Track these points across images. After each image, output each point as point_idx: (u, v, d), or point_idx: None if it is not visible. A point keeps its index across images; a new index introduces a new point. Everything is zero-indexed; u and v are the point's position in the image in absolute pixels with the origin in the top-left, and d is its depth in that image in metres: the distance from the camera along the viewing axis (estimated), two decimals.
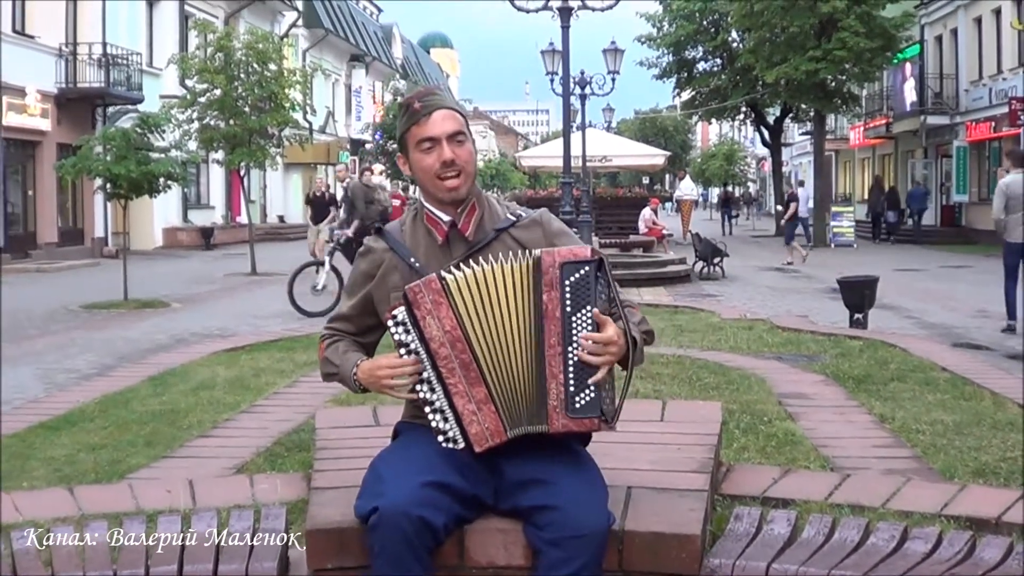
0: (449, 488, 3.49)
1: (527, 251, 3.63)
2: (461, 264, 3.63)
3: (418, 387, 3.62)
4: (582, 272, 3.54)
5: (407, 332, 3.61)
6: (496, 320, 3.57)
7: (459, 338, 3.55)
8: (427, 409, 3.62)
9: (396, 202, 33.00)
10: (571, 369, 3.53)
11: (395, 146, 47.40)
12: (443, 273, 3.59)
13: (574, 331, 3.53)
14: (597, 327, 3.52)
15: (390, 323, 3.64)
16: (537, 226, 3.91)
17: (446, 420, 3.60)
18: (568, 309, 3.53)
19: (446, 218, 3.84)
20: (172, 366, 8.64)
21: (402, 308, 3.60)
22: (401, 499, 3.38)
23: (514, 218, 3.91)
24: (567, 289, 3.53)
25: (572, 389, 3.53)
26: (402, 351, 3.62)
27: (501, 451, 3.59)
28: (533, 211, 4.00)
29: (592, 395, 3.54)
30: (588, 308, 3.53)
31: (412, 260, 3.82)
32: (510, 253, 3.64)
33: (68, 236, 36.80)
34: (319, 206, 28.76)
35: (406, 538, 3.34)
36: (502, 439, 3.56)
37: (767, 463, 5.24)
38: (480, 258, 3.66)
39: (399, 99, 66.48)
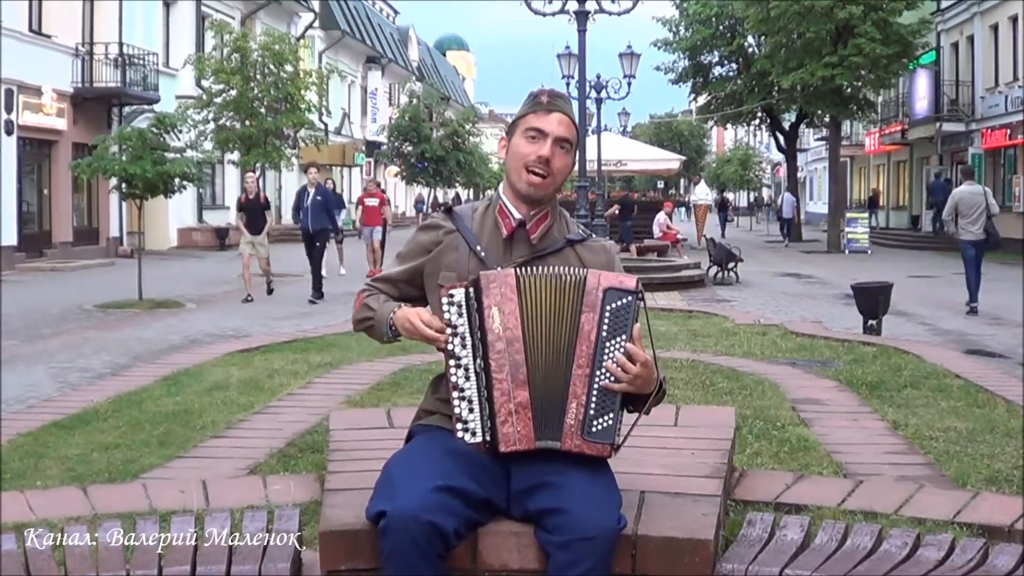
0: (461, 493, 3.47)
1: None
2: (533, 267, 3.64)
3: (452, 370, 3.59)
4: (624, 301, 3.56)
5: (459, 315, 3.58)
6: (547, 330, 3.57)
7: (518, 337, 3.54)
8: (455, 394, 3.59)
9: (375, 201, 28.78)
10: (595, 393, 3.54)
11: (409, 148, 46.60)
12: (519, 272, 3.60)
13: (606, 356, 3.54)
14: (630, 357, 3.53)
15: (444, 300, 3.60)
16: (604, 253, 3.94)
17: (471, 411, 3.58)
18: (604, 334, 3.54)
19: (517, 215, 3.85)
20: (186, 366, 8.65)
21: (462, 290, 3.58)
22: (411, 503, 3.36)
23: (585, 235, 3.94)
24: (606, 315, 3.54)
25: (592, 413, 3.54)
26: (448, 331, 3.60)
27: (513, 456, 3.59)
28: (604, 239, 4.07)
29: (610, 422, 3.56)
30: (623, 337, 3.54)
31: (478, 248, 3.83)
32: (570, 268, 3.65)
33: (83, 235, 36.87)
34: (253, 211, 22.82)
35: (415, 543, 3.33)
36: (530, 446, 3.55)
37: (780, 468, 5.24)
38: (544, 265, 3.66)
39: (415, 101, 66.79)
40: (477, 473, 3.56)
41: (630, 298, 3.56)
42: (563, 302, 3.57)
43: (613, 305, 3.54)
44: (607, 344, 3.53)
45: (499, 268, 3.67)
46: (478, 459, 3.59)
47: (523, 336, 3.55)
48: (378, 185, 31.78)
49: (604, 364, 3.53)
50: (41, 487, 4.98)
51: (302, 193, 23.08)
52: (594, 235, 4.00)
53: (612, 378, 3.54)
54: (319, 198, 22.54)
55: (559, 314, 3.56)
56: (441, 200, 72.19)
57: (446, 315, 3.60)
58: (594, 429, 3.54)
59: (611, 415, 3.56)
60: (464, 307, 3.58)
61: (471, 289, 3.57)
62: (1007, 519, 4.17)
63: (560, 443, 3.55)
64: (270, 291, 22.68)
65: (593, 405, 3.54)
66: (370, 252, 28.04)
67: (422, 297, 3.94)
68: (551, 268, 3.62)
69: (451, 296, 3.60)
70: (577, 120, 3.94)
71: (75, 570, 3.74)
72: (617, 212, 36.63)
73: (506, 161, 3.92)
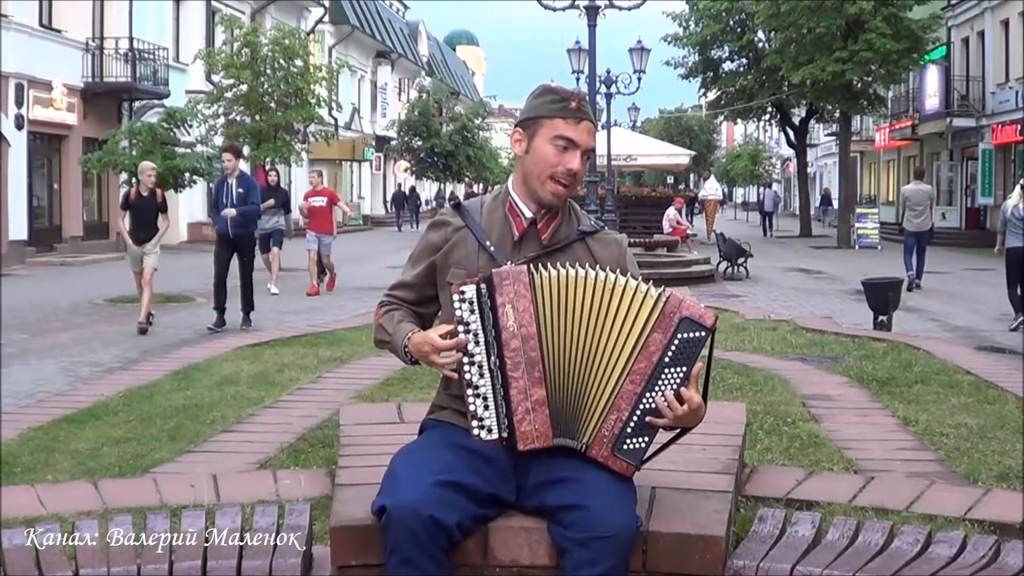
0: (463, 487, 3.46)
1: (618, 271, 3.61)
2: (550, 265, 3.60)
3: (466, 367, 3.59)
4: (698, 335, 3.54)
5: (472, 312, 3.57)
6: (572, 328, 3.55)
7: (533, 335, 3.53)
8: (469, 391, 3.58)
9: (321, 200, 22.65)
10: (638, 413, 3.52)
11: (419, 143, 46.03)
12: (533, 268, 3.57)
13: (661, 382, 3.52)
14: (680, 398, 3.52)
15: (455, 298, 3.58)
16: (616, 246, 3.91)
17: (487, 408, 3.57)
18: (667, 359, 3.51)
19: (528, 214, 3.82)
20: (196, 361, 8.65)
21: (473, 287, 3.57)
22: (412, 498, 3.35)
23: (597, 227, 3.91)
24: (676, 341, 3.51)
25: (629, 430, 3.53)
26: (460, 328, 3.58)
27: (529, 451, 3.57)
28: (615, 232, 4.01)
29: (643, 445, 3.55)
30: (684, 369, 3.52)
31: (488, 243, 3.79)
32: (586, 264, 3.62)
33: (93, 230, 36.88)
34: (144, 213, 16.43)
35: (416, 537, 3.32)
36: (548, 444, 3.54)
37: (791, 465, 5.23)
38: (553, 261, 3.64)
39: (424, 96, 66.76)
40: (482, 467, 3.55)
41: (703, 334, 3.54)
42: (607, 306, 3.54)
43: (685, 335, 3.52)
44: (666, 371, 3.51)
45: (510, 264, 3.65)
46: (483, 453, 3.57)
47: (538, 333, 3.53)
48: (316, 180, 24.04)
49: (655, 389, 3.51)
50: (52, 481, 4.98)
51: (221, 186, 17.04)
52: (606, 227, 3.97)
53: (656, 409, 3.52)
54: (241, 191, 16.52)
55: (597, 316, 3.53)
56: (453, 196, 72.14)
57: (457, 312, 3.58)
58: (625, 447, 3.53)
59: (646, 439, 3.55)
60: (476, 304, 3.56)
61: (483, 286, 3.55)
62: (1018, 516, 4.16)
63: (586, 446, 3.54)
64: (143, 328, 15.79)
65: (633, 424, 3.52)
66: (312, 264, 22.56)
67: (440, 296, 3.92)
68: (573, 267, 3.57)
69: (462, 293, 3.58)
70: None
71: (86, 564, 3.73)
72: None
73: (523, 160, 3.83)
